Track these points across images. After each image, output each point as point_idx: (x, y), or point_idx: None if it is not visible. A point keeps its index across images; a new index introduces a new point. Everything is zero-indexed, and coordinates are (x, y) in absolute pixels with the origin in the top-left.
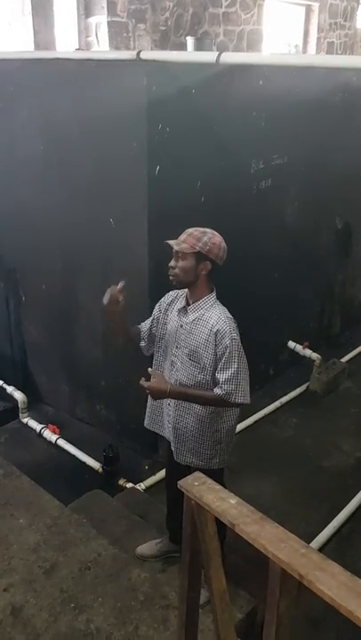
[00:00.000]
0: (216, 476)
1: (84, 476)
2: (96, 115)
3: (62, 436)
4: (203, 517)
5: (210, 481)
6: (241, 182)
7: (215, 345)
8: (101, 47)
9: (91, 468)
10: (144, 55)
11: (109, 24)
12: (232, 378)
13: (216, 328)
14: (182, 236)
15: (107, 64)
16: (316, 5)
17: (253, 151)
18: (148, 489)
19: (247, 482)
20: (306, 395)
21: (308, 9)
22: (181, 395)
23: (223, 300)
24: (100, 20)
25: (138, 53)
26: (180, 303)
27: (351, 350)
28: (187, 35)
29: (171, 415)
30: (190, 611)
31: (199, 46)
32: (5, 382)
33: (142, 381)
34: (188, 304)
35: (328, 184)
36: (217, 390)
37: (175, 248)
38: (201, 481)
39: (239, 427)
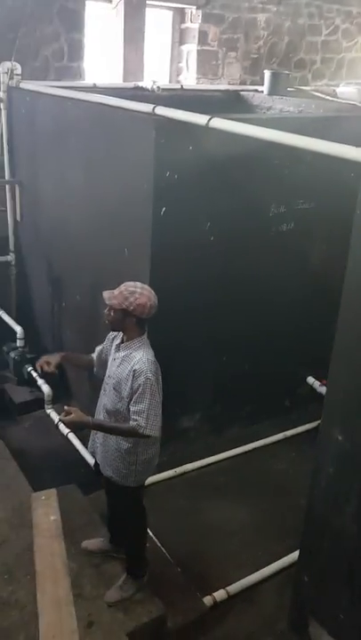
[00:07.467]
0: (133, 492)
1: (80, 470)
2: (122, 156)
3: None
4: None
5: (54, 498)
6: (259, 224)
7: (133, 381)
8: (190, 73)
9: (88, 464)
10: (159, 111)
11: (199, 52)
12: (142, 412)
13: (136, 367)
14: (116, 291)
15: (130, 114)
16: None
17: (273, 196)
18: None
19: (224, 504)
20: (314, 432)
21: None
22: (100, 427)
23: (239, 338)
24: (190, 48)
25: (153, 108)
26: (118, 339)
27: None
28: (279, 62)
29: (98, 437)
30: None
31: (275, 79)
32: (39, 376)
33: (62, 416)
34: (122, 342)
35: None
36: (130, 422)
37: (106, 302)
38: (47, 495)
39: (239, 450)
